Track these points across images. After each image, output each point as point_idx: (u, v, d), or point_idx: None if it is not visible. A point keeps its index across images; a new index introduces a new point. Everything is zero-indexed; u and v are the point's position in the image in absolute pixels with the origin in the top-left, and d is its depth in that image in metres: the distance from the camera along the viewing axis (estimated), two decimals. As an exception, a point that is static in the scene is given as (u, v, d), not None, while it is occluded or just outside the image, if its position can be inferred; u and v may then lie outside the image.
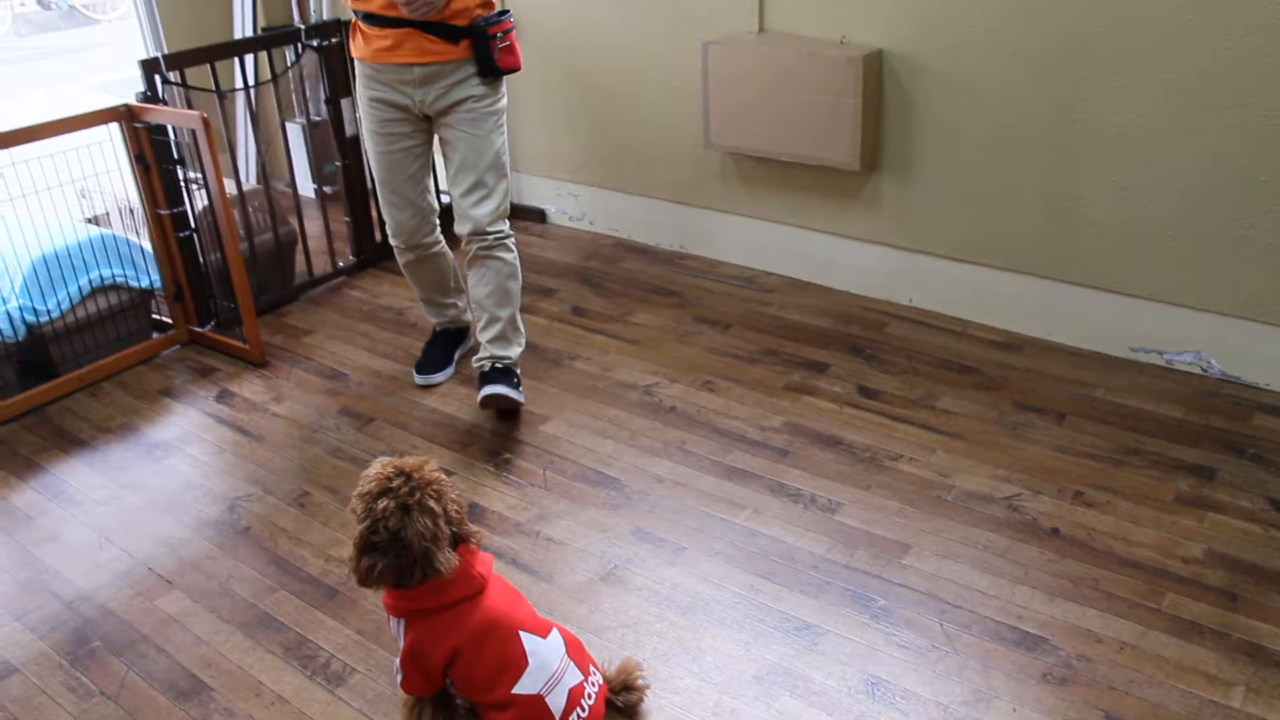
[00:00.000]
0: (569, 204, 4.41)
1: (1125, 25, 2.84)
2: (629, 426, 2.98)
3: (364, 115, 2.95)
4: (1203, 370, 3.05)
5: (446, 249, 3.22)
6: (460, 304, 3.34)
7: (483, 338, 3.03)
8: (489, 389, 2.95)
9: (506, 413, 3.07)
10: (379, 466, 1.76)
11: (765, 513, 2.58)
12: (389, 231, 3.10)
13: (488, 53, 2.80)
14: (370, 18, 2.78)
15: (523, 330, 3.11)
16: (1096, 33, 2.89)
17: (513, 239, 3.02)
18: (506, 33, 2.83)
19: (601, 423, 3.00)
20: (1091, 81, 2.95)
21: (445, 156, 2.96)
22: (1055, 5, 2.93)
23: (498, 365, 3.01)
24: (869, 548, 2.43)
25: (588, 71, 4.07)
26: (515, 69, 2.89)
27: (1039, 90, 3.04)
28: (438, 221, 3.13)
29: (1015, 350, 3.25)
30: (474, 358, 3.08)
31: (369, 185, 4.09)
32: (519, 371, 3.08)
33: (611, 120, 4.10)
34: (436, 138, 2.99)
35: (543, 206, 4.50)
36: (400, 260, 3.16)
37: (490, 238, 2.95)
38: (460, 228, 2.96)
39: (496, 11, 2.84)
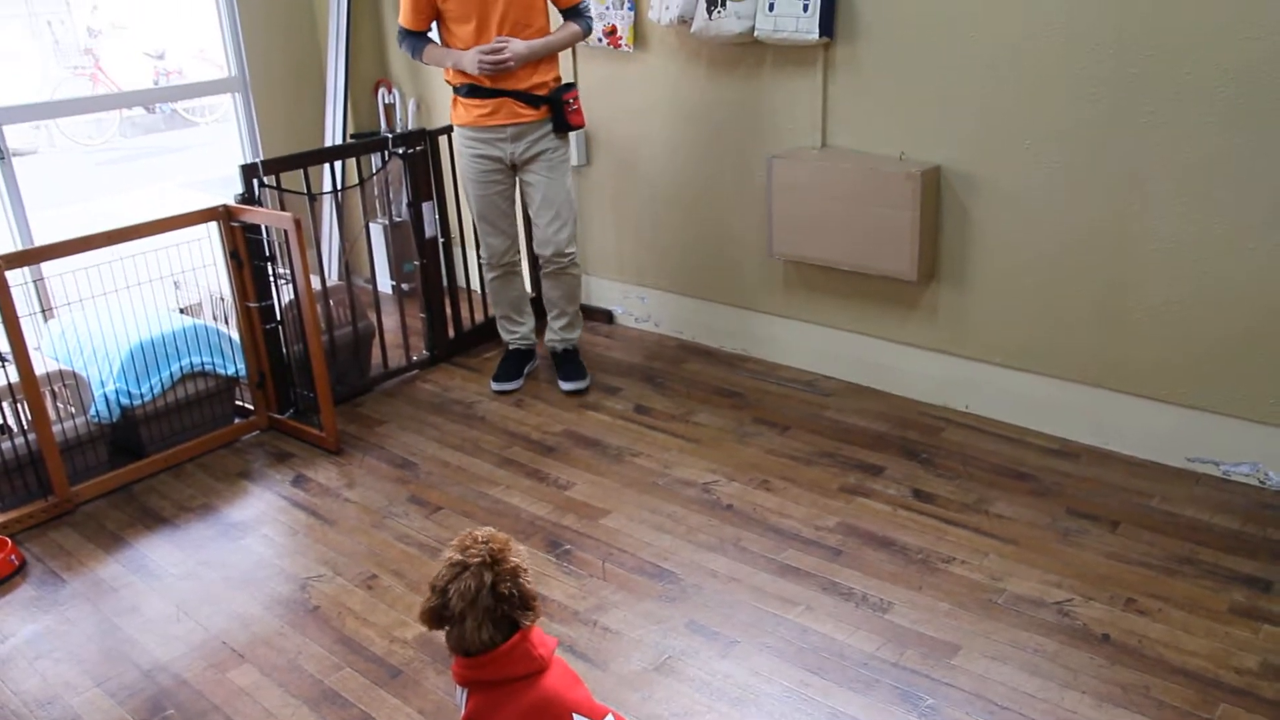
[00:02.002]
0: (636, 306, 4.57)
1: (1174, 148, 2.94)
2: (687, 522, 3.06)
3: (465, 169, 3.77)
4: (1260, 482, 3.05)
5: (522, 271, 4.04)
6: (529, 325, 4.10)
7: (555, 325, 4.02)
8: (568, 385, 3.96)
9: (569, 508, 3.18)
10: (479, 531, 1.90)
11: (817, 610, 2.63)
12: (483, 256, 3.92)
13: (562, 114, 3.65)
14: (474, 91, 3.59)
15: (581, 320, 4.09)
16: (1147, 154, 2.99)
17: (578, 257, 3.92)
18: (575, 99, 3.68)
19: (660, 518, 3.09)
20: (1145, 196, 3.03)
21: (528, 196, 3.79)
22: (1108, 123, 3.04)
23: (567, 348, 4.04)
24: (919, 647, 2.47)
25: (657, 181, 4.26)
26: (581, 126, 3.73)
27: (1093, 205, 3.14)
28: (520, 246, 3.95)
29: (1070, 458, 3.28)
30: (547, 338, 4.07)
31: (445, 284, 4.28)
32: (579, 351, 4.11)
33: (679, 228, 4.26)
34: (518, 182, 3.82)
35: (610, 308, 4.66)
36: (489, 278, 3.97)
37: (566, 259, 3.82)
38: (542, 250, 3.82)
39: (566, 83, 3.70)
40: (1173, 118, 2.93)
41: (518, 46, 3.48)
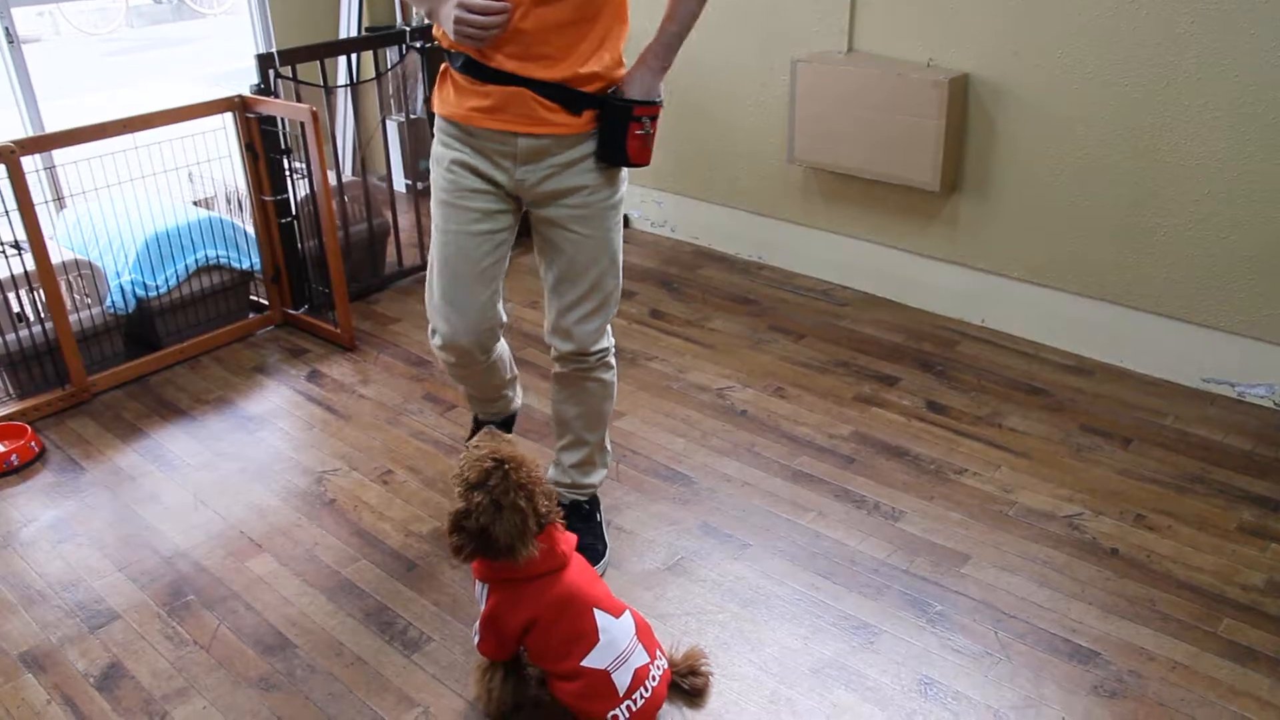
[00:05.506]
0: (652, 210, 4.52)
1: (1212, 61, 2.87)
2: (701, 426, 3.07)
3: (437, 179, 2.22)
4: (1275, 404, 3.05)
5: (503, 339, 2.45)
6: (511, 393, 2.66)
7: (565, 459, 2.49)
8: None
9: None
10: (483, 451, 1.85)
11: (829, 516, 2.65)
12: (435, 341, 2.29)
13: (622, 137, 2.13)
14: (471, 66, 2.08)
15: (610, 450, 2.56)
16: (1183, 67, 2.93)
17: (614, 351, 2.40)
18: (654, 119, 2.15)
19: (674, 421, 3.10)
20: (1175, 114, 2.98)
21: (543, 256, 2.29)
22: (1142, 39, 2.97)
23: (579, 499, 2.52)
24: (929, 555, 2.50)
25: (677, 84, 4.18)
26: (645, 164, 2.22)
27: (1122, 120, 3.08)
28: (499, 331, 2.33)
29: (1085, 374, 3.28)
30: (551, 476, 2.52)
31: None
32: (600, 507, 2.59)
33: (698, 131, 4.20)
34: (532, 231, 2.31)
35: (627, 212, 4.61)
36: (444, 366, 2.38)
37: (591, 359, 2.33)
38: (558, 344, 2.32)
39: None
40: (1211, 30, 2.86)
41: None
